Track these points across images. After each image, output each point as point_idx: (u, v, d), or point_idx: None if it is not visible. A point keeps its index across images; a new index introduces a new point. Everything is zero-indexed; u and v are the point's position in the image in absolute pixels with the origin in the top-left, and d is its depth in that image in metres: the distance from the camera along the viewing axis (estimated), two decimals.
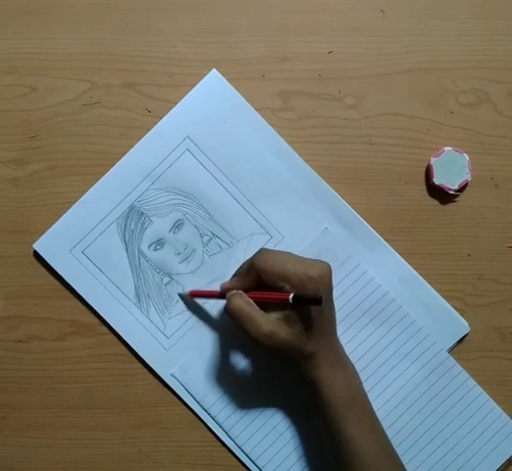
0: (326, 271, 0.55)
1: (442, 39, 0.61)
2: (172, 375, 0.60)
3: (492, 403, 0.61)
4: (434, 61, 0.61)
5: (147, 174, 0.61)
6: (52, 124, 0.61)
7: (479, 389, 0.61)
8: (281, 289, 0.54)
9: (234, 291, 0.56)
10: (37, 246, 0.60)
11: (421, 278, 0.61)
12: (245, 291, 0.56)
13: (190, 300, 0.61)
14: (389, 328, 0.61)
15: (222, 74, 0.60)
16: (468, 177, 0.61)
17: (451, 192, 0.61)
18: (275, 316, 0.54)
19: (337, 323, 0.59)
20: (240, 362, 0.61)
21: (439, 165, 0.60)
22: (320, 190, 0.61)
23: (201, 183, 0.61)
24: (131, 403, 0.61)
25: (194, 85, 0.60)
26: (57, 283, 0.61)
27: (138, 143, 0.61)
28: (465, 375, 0.61)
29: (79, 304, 0.61)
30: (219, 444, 0.61)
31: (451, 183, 0.61)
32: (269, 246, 0.61)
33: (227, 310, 0.55)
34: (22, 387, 0.61)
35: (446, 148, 0.61)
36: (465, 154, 0.61)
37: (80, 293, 0.60)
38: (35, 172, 0.61)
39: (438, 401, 0.61)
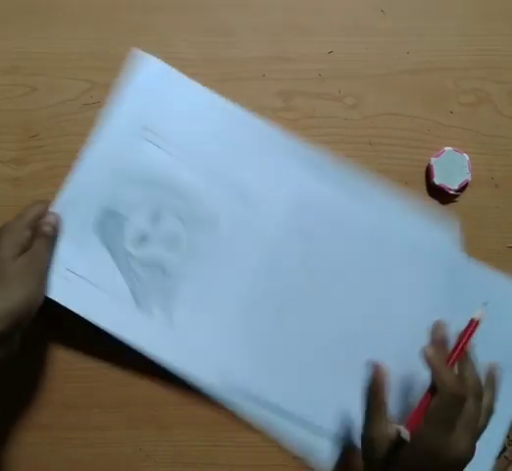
0: (463, 460, 0.49)
1: (442, 39, 0.61)
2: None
3: None
4: (434, 61, 0.61)
5: (110, 172, 0.59)
6: (52, 123, 0.61)
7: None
8: (430, 417, 0.49)
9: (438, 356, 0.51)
10: None
11: None
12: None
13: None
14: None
15: (222, 73, 0.61)
16: (468, 177, 0.61)
17: (451, 192, 0.61)
18: (388, 432, 0.50)
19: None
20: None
21: (440, 165, 0.61)
22: (287, 146, 0.60)
23: (167, 168, 0.60)
24: (131, 403, 0.61)
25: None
26: None
27: (92, 144, 0.59)
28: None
29: None
30: (219, 443, 0.61)
31: (451, 183, 0.61)
32: (246, 211, 0.60)
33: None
34: (22, 386, 0.61)
35: (446, 148, 0.61)
36: (465, 154, 0.61)
37: (76, 311, 0.58)
38: (36, 171, 0.61)
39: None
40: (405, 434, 0.49)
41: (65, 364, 0.61)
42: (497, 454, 0.60)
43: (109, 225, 0.60)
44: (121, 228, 0.60)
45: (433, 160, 0.61)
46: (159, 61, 0.60)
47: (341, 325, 0.60)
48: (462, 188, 0.61)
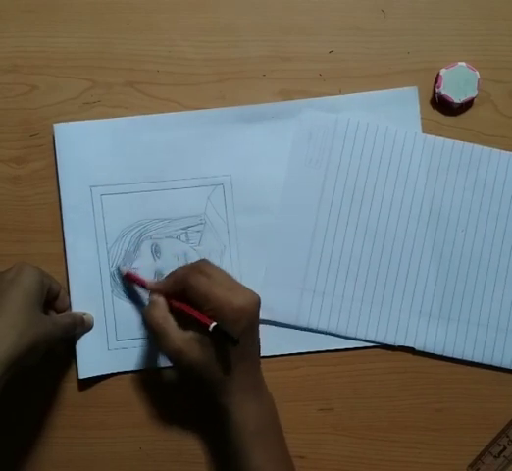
0: (251, 303, 0.52)
1: (442, 39, 0.61)
2: None
3: None
4: (434, 61, 0.61)
5: (94, 237, 0.60)
6: (53, 122, 0.60)
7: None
8: (201, 309, 0.52)
9: (156, 298, 0.55)
10: None
11: None
12: (171, 297, 0.55)
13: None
14: None
15: (222, 73, 0.61)
16: (475, 94, 0.60)
17: (454, 106, 0.60)
18: (190, 334, 0.52)
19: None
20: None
21: (449, 76, 0.60)
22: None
23: (136, 202, 0.60)
24: (131, 402, 0.61)
25: (195, 84, 0.61)
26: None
27: (65, 224, 0.60)
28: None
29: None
30: (218, 442, 0.60)
31: (456, 97, 0.60)
32: (229, 191, 0.60)
33: (144, 316, 0.56)
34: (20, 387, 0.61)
35: (459, 63, 0.60)
36: (477, 72, 0.60)
37: (140, 367, 0.60)
38: (36, 170, 0.61)
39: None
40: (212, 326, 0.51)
41: (65, 364, 0.61)
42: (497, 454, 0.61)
43: (124, 284, 0.60)
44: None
45: (443, 71, 0.60)
46: (76, 123, 0.60)
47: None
48: (466, 105, 0.61)
